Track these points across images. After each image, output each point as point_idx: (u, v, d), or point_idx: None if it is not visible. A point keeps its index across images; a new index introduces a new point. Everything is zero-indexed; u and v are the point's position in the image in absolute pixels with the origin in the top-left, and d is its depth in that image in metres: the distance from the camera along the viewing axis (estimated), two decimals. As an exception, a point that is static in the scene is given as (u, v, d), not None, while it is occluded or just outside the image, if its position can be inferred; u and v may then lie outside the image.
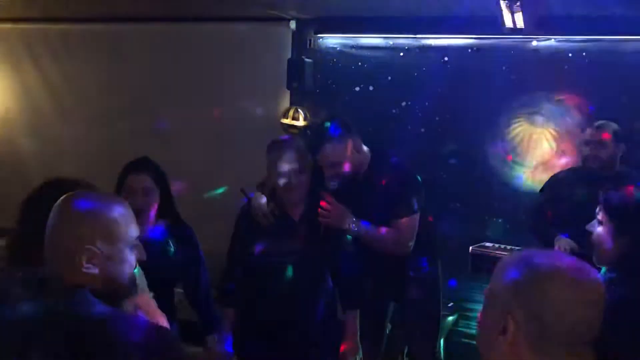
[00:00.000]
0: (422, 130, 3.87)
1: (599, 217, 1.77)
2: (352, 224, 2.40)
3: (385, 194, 2.46)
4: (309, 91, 4.07)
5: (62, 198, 1.30)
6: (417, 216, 2.49)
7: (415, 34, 3.85)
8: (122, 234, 1.29)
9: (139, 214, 2.08)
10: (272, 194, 2.40)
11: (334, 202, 2.38)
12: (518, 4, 2.47)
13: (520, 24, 2.71)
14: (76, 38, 4.56)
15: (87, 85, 4.58)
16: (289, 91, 4.12)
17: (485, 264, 2.96)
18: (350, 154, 2.44)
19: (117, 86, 4.51)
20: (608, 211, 1.75)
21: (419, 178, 2.57)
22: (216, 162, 4.15)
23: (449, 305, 3.33)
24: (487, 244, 3.20)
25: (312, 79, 4.05)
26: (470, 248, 3.04)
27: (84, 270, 1.24)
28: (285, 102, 4.17)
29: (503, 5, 2.49)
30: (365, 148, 2.55)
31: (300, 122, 4.03)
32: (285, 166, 2.32)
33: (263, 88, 4.21)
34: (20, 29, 4.63)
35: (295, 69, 4.00)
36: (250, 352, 2.44)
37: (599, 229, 1.77)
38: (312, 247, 2.39)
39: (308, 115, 4.03)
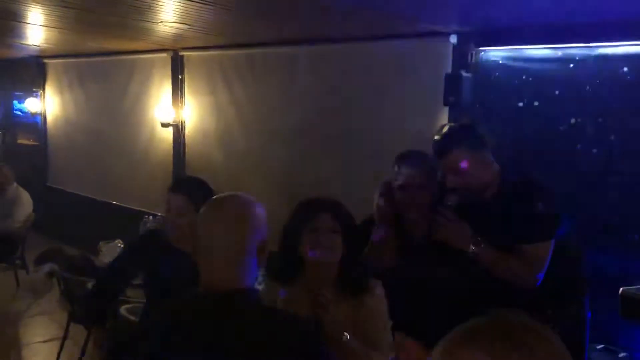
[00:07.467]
0: (594, 151, 3.39)
1: None
2: (472, 244, 2.18)
3: (514, 216, 2.20)
4: (468, 107, 3.86)
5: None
6: (549, 244, 2.20)
7: (588, 42, 3.40)
8: None
9: None
10: (394, 207, 2.28)
11: (453, 216, 2.20)
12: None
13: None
14: (260, 61, 4.99)
15: (267, 105, 4.99)
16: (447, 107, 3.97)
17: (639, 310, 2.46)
18: (479, 167, 2.24)
19: (292, 105, 4.82)
20: None
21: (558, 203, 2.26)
22: (374, 177, 4.18)
23: (598, 348, 2.82)
24: (652, 286, 2.65)
25: (472, 94, 3.84)
26: (621, 289, 2.56)
27: None
28: (444, 119, 4.02)
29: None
30: (496, 166, 2.31)
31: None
32: (404, 177, 2.22)
33: (421, 104, 4.12)
34: (216, 55, 5.25)
35: (452, 84, 3.83)
36: None
37: None
38: (440, 271, 2.20)
39: (464, 132, 3.82)
